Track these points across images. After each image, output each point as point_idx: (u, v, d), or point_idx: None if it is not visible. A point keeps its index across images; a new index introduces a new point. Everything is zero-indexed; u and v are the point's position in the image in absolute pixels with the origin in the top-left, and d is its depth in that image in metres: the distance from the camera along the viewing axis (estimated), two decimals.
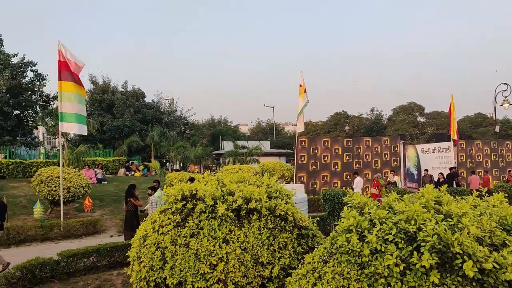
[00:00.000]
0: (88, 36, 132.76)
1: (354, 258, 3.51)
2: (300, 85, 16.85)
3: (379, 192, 14.14)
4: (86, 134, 13.34)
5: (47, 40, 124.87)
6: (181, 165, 30.63)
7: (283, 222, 4.89)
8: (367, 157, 17.93)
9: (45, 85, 26.84)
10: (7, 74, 22.86)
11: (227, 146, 33.30)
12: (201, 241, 4.42)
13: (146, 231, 4.76)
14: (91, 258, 7.88)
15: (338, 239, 3.67)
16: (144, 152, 33.18)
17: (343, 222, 3.72)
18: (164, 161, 33.79)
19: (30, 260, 7.37)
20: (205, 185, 5.10)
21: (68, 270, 7.56)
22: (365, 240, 3.47)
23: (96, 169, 20.13)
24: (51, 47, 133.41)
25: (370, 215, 3.71)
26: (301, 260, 4.35)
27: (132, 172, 24.04)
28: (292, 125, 66.55)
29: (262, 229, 4.69)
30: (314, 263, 3.82)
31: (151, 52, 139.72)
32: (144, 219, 5.40)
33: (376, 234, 3.40)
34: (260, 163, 23.15)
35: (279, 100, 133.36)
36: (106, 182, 18.98)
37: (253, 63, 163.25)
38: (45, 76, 26.69)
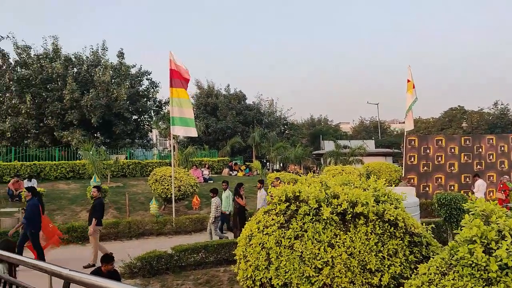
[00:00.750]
0: (192, 43, 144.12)
1: (479, 272, 3.16)
2: (408, 80, 15.78)
3: (507, 197, 12.47)
4: (196, 136, 14.46)
5: (156, 51, 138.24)
6: (281, 165, 31.18)
7: (392, 228, 4.64)
8: (491, 157, 15.96)
9: (158, 92, 29.89)
10: (127, 83, 26.05)
11: (328, 146, 32.83)
12: (306, 243, 4.44)
13: (251, 230, 4.96)
14: (200, 254, 8.50)
15: (458, 250, 3.35)
16: (246, 152, 34.61)
17: (464, 232, 3.38)
18: (265, 161, 34.78)
19: (149, 252, 8.26)
20: (308, 186, 5.11)
21: (180, 264, 8.27)
22: (492, 254, 3.11)
23: (203, 169, 21.68)
24: (160, 57, 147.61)
25: (498, 225, 3.30)
26: (414, 270, 4.07)
27: (235, 172, 25.30)
28: (399, 123, 62.57)
29: (369, 234, 4.51)
30: (430, 274, 3.54)
31: (252, 53, 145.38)
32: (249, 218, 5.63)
33: (507, 249, 3.02)
34: (364, 164, 22.28)
35: (383, 97, 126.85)
36: (212, 182, 20.29)
37: (355, 61, 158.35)
38: (158, 83, 29.73)
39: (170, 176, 14.17)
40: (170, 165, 15.50)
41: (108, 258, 6.00)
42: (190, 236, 12.02)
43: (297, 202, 4.90)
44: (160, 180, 14.85)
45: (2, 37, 24.69)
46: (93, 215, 9.20)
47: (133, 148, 27.47)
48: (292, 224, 4.65)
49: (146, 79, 29.34)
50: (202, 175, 20.63)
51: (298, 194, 4.92)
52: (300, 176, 17.08)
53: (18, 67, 25.24)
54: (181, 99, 13.01)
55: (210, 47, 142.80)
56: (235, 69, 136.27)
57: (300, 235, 4.57)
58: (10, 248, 4.98)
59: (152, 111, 29.83)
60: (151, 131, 34.24)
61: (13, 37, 25.19)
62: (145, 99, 29.08)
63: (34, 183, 15.44)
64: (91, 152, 16.01)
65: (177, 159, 18.79)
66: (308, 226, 4.57)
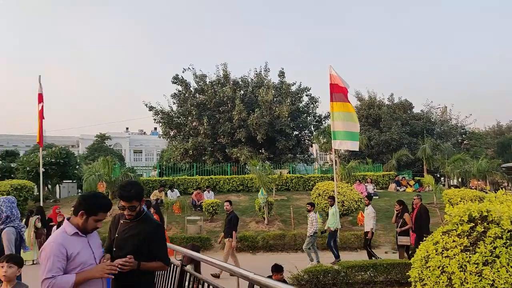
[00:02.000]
0: (349, 54, 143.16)
1: None
2: None
3: None
4: (357, 149, 14.32)
5: (315, 65, 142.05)
6: (460, 180, 27.78)
7: None
8: None
9: (317, 107, 30.73)
10: (288, 101, 27.67)
11: None
12: (498, 271, 3.89)
13: (427, 251, 4.62)
14: (368, 272, 8.30)
15: None
16: (415, 166, 32.18)
17: None
18: (438, 175, 31.61)
19: (315, 266, 8.51)
20: (499, 205, 4.48)
21: (347, 280, 8.24)
22: None
23: (366, 184, 21.13)
24: (319, 71, 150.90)
25: None
26: None
27: (403, 187, 23.76)
28: None
29: None
30: None
31: (420, 59, 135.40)
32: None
33: None
34: None
35: None
36: (377, 197, 19.57)
37: None
38: (317, 98, 30.59)
39: (333, 191, 14.31)
40: (332, 180, 15.64)
41: (279, 268, 6.46)
42: (356, 253, 11.84)
43: (485, 223, 4.34)
44: (322, 195, 15.14)
45: (184, 69, 29.68)
46: (231, 229, 9.77)
47: (295, 162, 28.77)
48: (479, 248, 4.14)
49: (306, 95, 30.54)
50: (366, 190, 20.11)
51: (486, 214, 4.36)
52: (486, 193, 14.94)
53: (197, 94, 29.71)
54: (343, 113, 13.10)
55: (369, 56, 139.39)
56: (399, 76, 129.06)
57: (490, 260, 4.03)
58: (196, 251, 5.86)
59: (312, 126, 30.78)
60: (311, 146, 35.26)
61: (193, 68, 29.87)
62: (305, 114, 30.24)
63: (176, 193, 18.55)
64: (257, 167, 17.48)
65: (339, 174, 18.83)
66: (500, 251, 4.00)
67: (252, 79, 30.45)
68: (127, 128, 72.35)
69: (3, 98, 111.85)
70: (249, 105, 27.95)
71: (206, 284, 3.79)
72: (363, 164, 26.36)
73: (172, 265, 4.70)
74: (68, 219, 3.01)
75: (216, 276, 8.74)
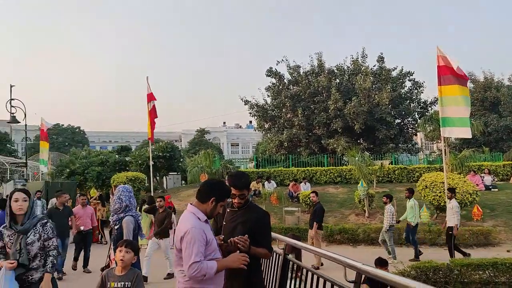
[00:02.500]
0: (458, 34, 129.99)
1: None
2: None
3: None
4: (470, 137, 13.04)
5: (419, 48, 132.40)
6: None
7: None
8: None
9: (422, 92, 28.62)
10: (389, 87, 26.22)
11: None
12: None
13: None
14: (487, 272, 7.55)
15: None
16: None
17: None
18: None
19: (424, 262, 7.99)
20: None
21: (462, 279, 7.59)
22: None
23: (483, 175, 19.15)
24: (423, 54, 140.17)
25: None
26: None
27: None
28: None
29: None
30: None
31: None
32: None
33: None
34: None
35: None
36: (496, 190, 17.63)
37: None
38: (422, 83, 28.46)
39: (442, 183, 13.25)
40: (441, 170, 14.48)
41: (383, 262, 6.22)
42: (472, 251, 10.84)
43: None
44: (430, 187, 14.13)
45: (278, 61, 30.01)
46: (314, 220, 10.01)
47: (397, 153, 27.28)
48: None
49: (409, 80, 28.68)
50: (483, 181, 18.21)
51: None
52: None
53: (291, 85, 29.81)
54: (454, 97, 12.01)
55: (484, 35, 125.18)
56: None
57: None
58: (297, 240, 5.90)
59: (416, 113, 28.83)
60: (415, 135, 33.07)
61: (286, 60, 30.02)
62: (408, 101, 28.42)
63: (273, 184, 18.76)
64: (356, 158, 16.96)
65: (449, 164, 17.34)
66: None
67: (349, 67, 29.54)
68: (224, 123, 75.98)
69: (115, 98, 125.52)
70: (345, 93, 27.20)
71: (309, 273, 3.80)
72: (478, 153, 23.84)
73: (275, 253, 4.83)
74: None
75: (316, 268, 8.75)
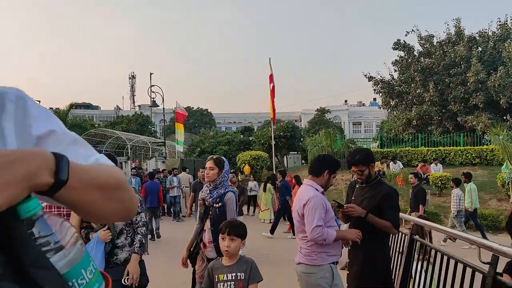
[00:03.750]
0: None
1: None
2: None
3: None
4: None
5: None
6: None
7: None
8: None
9: None
10: None
11: None
12: None
13: None
14: None
15: None
16: None
17: None
18: None
19: None
20: None
21: None
22: None
23: None
24: None
25: None
26: None
27: None
28: None
29: None
30: None
31: None
32: None
33: None
34: None
35: None
36: None
37: None
38: None
39: None
40: None
41: None
42: None
43: None
44: None
45: (407, 32, 27.92)
46: (416, 203, 9.72)
47: None
48: None
49: None
50: None
51: None
52: None
53: (422, 58, 27.56)
54: None
55: None
56: None
57: None
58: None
59: None
60: None
61: (417, 30, 27.71)
62: None
63: (399, 165, 17.85)
64: (501, 137, 15.11)
65: None
66: None
67: (494, 32, 26.00)
68: (345, 101, 74.18)
69: (239, 81, 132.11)
70: (489, 63, 24.12)
71: (439, 254, 3.70)
72: None
73: (401, 234, 4.78)
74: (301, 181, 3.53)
75: None
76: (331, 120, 55.39)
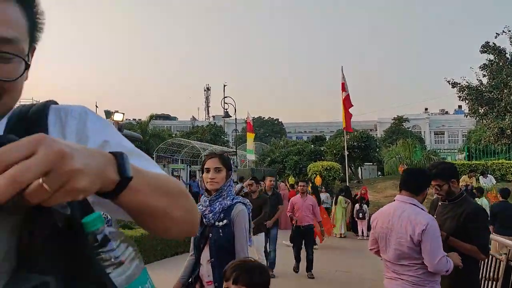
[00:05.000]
0: None
1: None
2: None
3: None
4: None
5: None
6: None
7: None
8: None
9: None
10: None
11: None
12: None
13: None
14: None
15: None
16: None
17: None
18: None
19: None
20: None
21: None
22: None
23: None
24: None
25: None
26: None
27: None
28: None
29: None
30: None
31: None
32: None
33: None
34: None
35: None
36: None
37: None
38: None
39: None
40: None
41: None
42: None
43: None
44: None
45: (497, 34, 25.64)
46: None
47: None
48: None
49: None
50: None
51: None
52: None
53: None
54: None
55: None
56: None
57: None
58: None
59: None
60: None
61: (509, 31, 25.36)
62: None
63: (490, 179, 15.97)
64: None
65: None
66: None
67: None
68: (426, 109, 70.20)
69: (307, 90, 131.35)
70: None
71: None
72: None
73: (494, 258, 4.24)
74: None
75: None
76: (410, 129, 52.68)
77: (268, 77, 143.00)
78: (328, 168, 19.58)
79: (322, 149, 25.48)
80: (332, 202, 14.15)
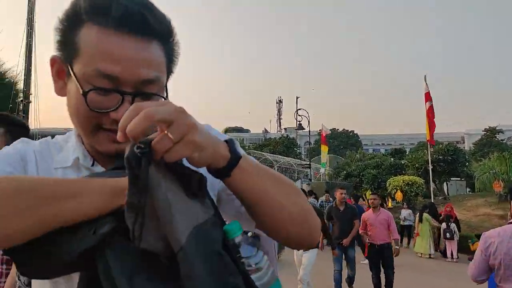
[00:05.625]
0: None
1: None
2: None
3: None
4: None
5: None
6: None
7: None
8: None
9: None
10: None
11: None
12: None
13: None
14: None
15: None
16: None
17: None
18: None
19: None
20: None
21: None
22: None
23: None
24: None
25: None
26: None
27: None
28: None
29: None
30: None
31: None
32: None
33: None
34: None
35: None
36: None
37: None
38: None
39: None
40: None
41: None
42: None
43: None
44: None
45: None
46: None
47: None
48: None
49: None
50: None
51: None
52: None
53: None
54: None
55: None
56: None
57: None
58: None
59: None
60: None
61: None
62: None
63: None
64: None
65: None
66: None
67: None
68: None
69: (385, 100, 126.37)
70: None
71: None
72: None
73: None
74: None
75: None
76: (505, 141, 48.15)
77: (342, 88, 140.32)
78: (410, 183, 18.36)
79: (402, 162, 24.12)
80: (414, 219, 13.16)
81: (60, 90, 0.79)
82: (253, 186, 0.70)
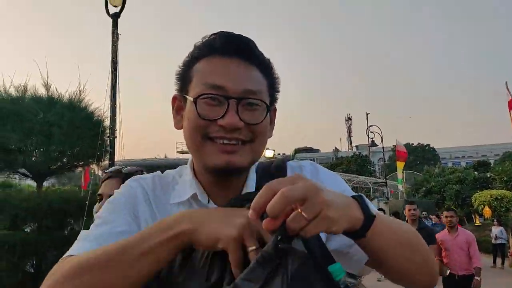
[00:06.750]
0: None
1: None
2: None
3: None
4: None
5: None
6: None
7: None
8: None
9: None
10: None
11: None
12: None
13: None
14: None
15: None
16: None
17: None
18: None
19: None
20: None
21: None
22: None
23: None
24: None
25: None
26: None
27: None
28: None
29: None
30: None
31: None
32: None
33: None
34: None
35: None
36: None
37: None
38: None
39: None
40: None
41: None
42: None
43: None
44: None
45: None
46: None
47: None
48: None
49: None
50: None
51: None
52: None
53: None
54: None
55: None
56: None
57: None
58: None
59: None
60: None
61: None
62: None
63: None
64: None
65: None
66: None
67: None
68: None
69: (464, 111, 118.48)
70: None
71: None
72: None
73: None
74: None
75: None
76: None
77: (413, 101, 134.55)
78: (499, 197, 17.17)
79: (488, 175, 22.54)
80: (508, 236, 12.26)
81: (177, 124, 0.89)
82: (385, 247, 0.73)
